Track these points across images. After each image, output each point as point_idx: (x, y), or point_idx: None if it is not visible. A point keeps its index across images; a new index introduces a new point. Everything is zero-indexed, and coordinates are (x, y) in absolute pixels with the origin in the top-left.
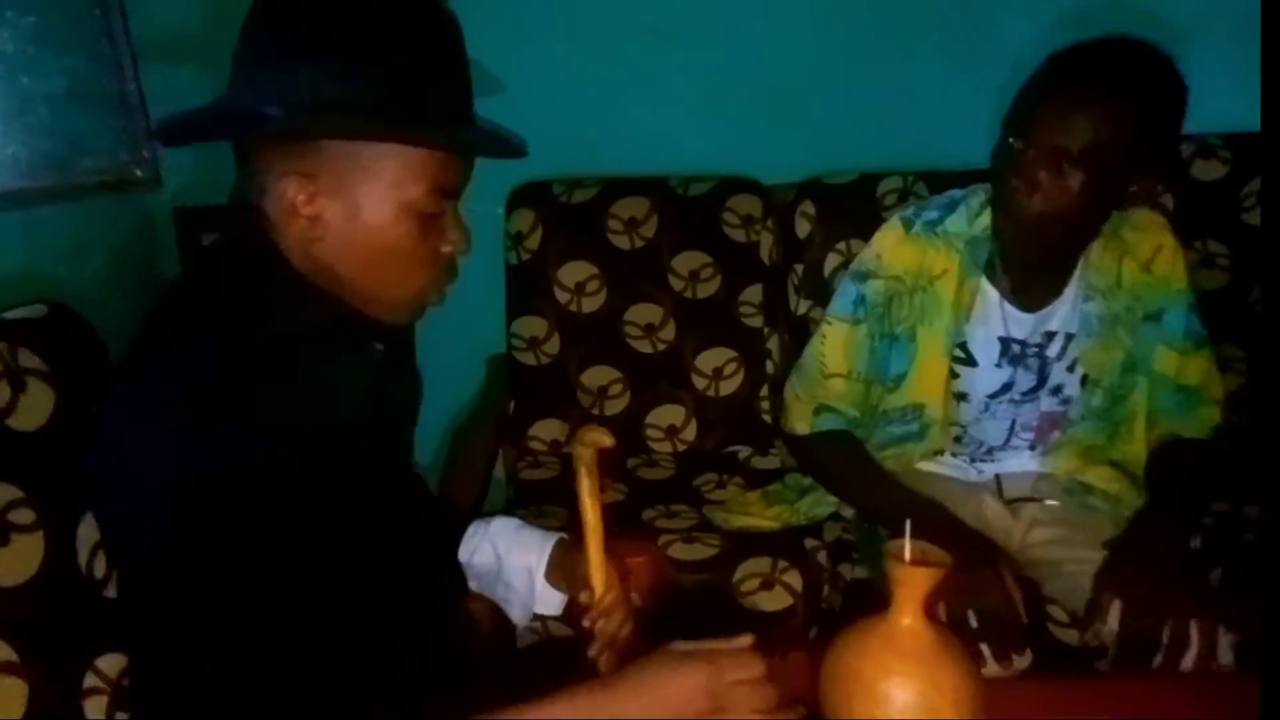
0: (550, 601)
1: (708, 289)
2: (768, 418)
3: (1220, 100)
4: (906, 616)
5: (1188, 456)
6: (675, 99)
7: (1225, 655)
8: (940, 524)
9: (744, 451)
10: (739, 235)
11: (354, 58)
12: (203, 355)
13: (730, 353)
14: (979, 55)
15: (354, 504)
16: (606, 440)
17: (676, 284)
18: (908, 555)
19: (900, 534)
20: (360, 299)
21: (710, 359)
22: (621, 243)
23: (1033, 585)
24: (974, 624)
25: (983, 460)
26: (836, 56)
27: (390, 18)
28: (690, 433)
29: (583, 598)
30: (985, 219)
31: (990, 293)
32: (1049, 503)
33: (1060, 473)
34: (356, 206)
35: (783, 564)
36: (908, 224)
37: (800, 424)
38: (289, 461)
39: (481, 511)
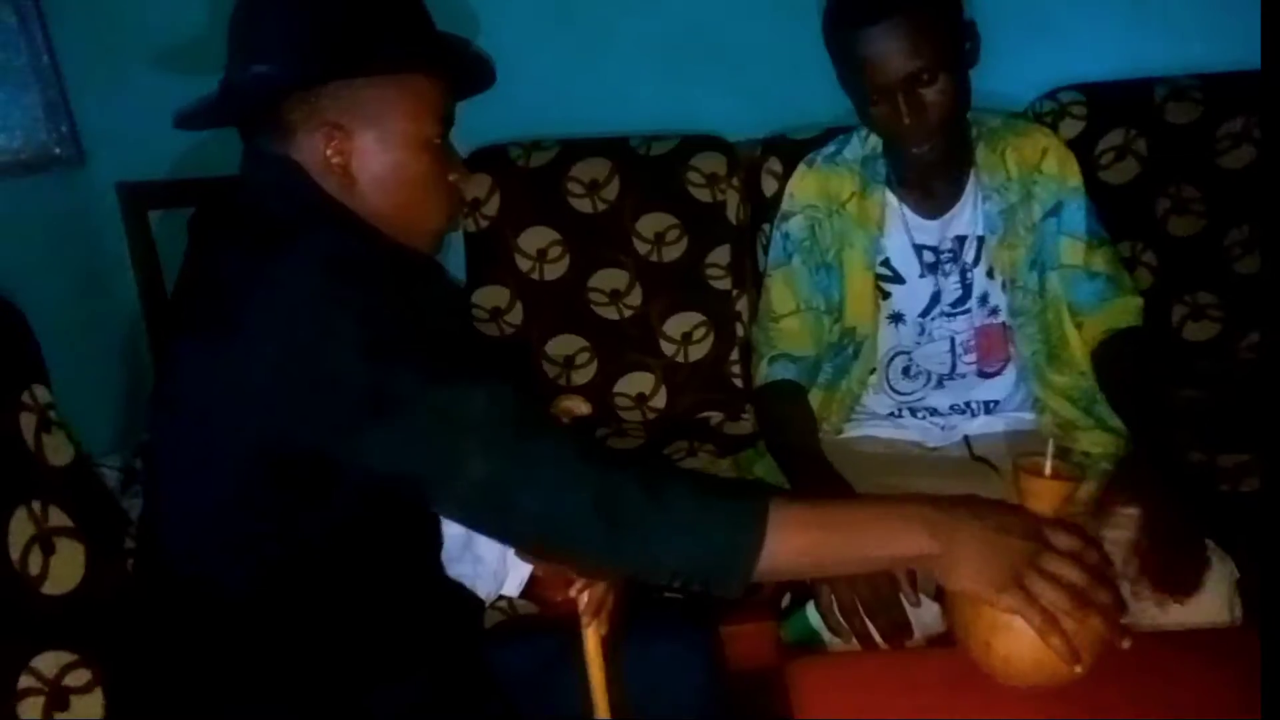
0: (512, 581)
1: (673, 251)
2: (739, 382)
3: (1193, 41)
4: None
5: (1130, 349)
6: (634, 55)
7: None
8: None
9: (715, 417)
10: (704, 195)
11: (339, 5)
12: (340, 252)
13: (699, 316)
14: None
15: None
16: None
17: (641, 247)
18: (1048, 469)
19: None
20: (398, 233)
21: (678, 324)
22: (583, 206)
23: None
24: (861, 610)
25: (945, 415)
26: (798, 8)
27: None
28: (660, 400)
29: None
30: (875, 140)
31: (894, 203)
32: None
33: (1035, 432)
34: (380, 146)
35: None
36: (809, 162)
37: (757, 374)
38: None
39: None
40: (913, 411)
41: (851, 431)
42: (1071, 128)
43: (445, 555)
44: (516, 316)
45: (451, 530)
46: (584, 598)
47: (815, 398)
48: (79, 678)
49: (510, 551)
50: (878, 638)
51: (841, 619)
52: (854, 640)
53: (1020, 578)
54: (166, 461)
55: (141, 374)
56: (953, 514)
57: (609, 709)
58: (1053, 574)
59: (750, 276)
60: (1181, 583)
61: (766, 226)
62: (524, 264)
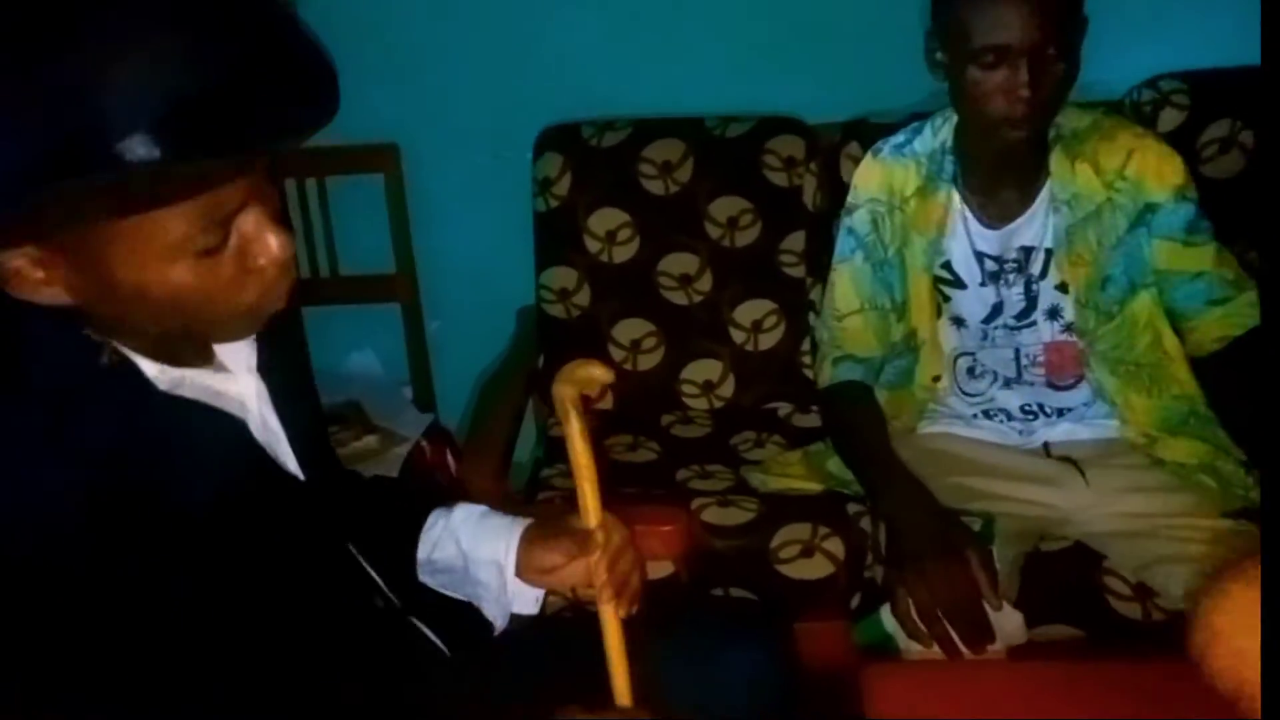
0: (527, 600)
1: (746, 237)
2: (810, 373)
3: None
4: None
5: (1248, 362)
6: (711, 33)
7: None
8: (913, 503)
9: (784, 408)
10: (780, 179)
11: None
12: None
13: (770, 304)
14: None
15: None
16: (600, 376)
17: (713, 232)
18: None
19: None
20: (186, 335)
21: (749, 311)
22: (655, 188)
23: (1093, 556)
24: (941, 612)
25: (1023, 418)
26: None
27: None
28: (727, 389)
29: (598, 536)
30: (946, 132)
31: (958, 205)
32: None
33: (1120, 439)
34: (102, 268)
35: (824, 530)
36: (875, 151)
37: (821, 376)
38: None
39: (508, 467)
40: (987, 414)
41: (928, 428)
42: (1172, 118)
43: (444, 580)
44: (584, 298)
45: (444, 555)
46: (601, 571)
47: (882, 396)
48: None
49: (510, 572)
50: (959, 643)
51: (920, 623)
52: (934, 646)
53: None
54: None
55: None
56: None
57: (630, 695)
58: None
59: (826, 265)
60: None
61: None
62: (593, 245)
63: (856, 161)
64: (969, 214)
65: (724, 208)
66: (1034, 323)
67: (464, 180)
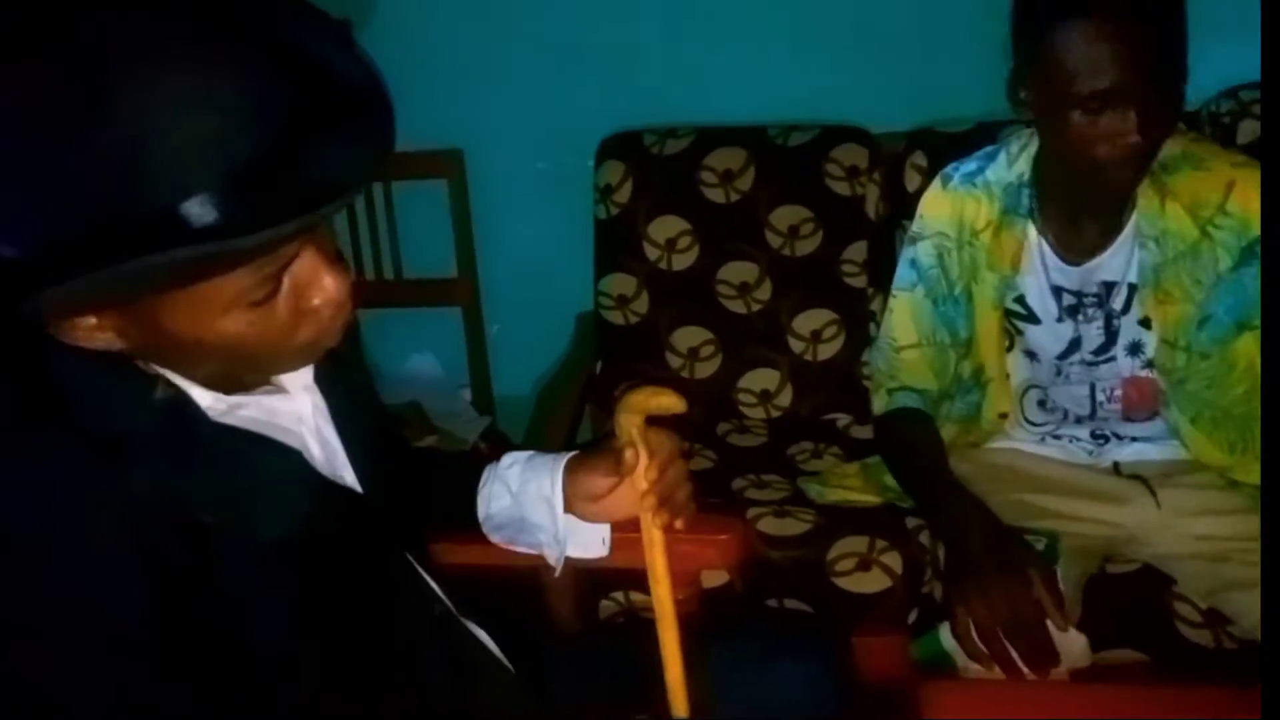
0: (591, 541)
1: (807, 246)
2: (869, 384)
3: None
4: None
5: None
6: (775, 41)
7: None
8: (972, 521)
9: (843, 419)
10: (842, 188)
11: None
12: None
13: (830, 314)
14: None
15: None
16: (669, 404)
17: (774, 240)
18: None
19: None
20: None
21: (808, 321)
22: (716, 196)
23: (1161, 579)
24: (1003, 633)
25: (1093, 441)
26: None
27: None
28: (785, 398)
29: (627, 455)
30: (1024, 164)
31: (1034, 238)
32: (1182, 483)
33: (1194, 459)
34: (156, 322)
35: (881, 543)
36: (945, 179)
37: (877, 403)
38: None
39: None
40: (1055, 437)
41: (993, 444)
42: (1252, 130)
43: (504, 535)
44: (642, 305)
45: (500, 505)
46: (647, 477)
47: (948, 431)
48: None
49: (558, 506)
50: (1020, 664)
51: (980, 644)
52: (994, 666)
53: None
54: None
55: None
56: None
57: (687, 706)
58: None
59: (888, 275)
60: None
61: (908, 223)
62: (652, 253)
63: (921, 171)
64: (1046, 248)
65: (785, 216)
66: (1113, 358)
67: (526, 186)
